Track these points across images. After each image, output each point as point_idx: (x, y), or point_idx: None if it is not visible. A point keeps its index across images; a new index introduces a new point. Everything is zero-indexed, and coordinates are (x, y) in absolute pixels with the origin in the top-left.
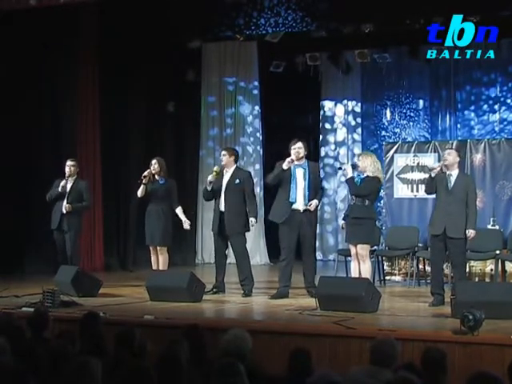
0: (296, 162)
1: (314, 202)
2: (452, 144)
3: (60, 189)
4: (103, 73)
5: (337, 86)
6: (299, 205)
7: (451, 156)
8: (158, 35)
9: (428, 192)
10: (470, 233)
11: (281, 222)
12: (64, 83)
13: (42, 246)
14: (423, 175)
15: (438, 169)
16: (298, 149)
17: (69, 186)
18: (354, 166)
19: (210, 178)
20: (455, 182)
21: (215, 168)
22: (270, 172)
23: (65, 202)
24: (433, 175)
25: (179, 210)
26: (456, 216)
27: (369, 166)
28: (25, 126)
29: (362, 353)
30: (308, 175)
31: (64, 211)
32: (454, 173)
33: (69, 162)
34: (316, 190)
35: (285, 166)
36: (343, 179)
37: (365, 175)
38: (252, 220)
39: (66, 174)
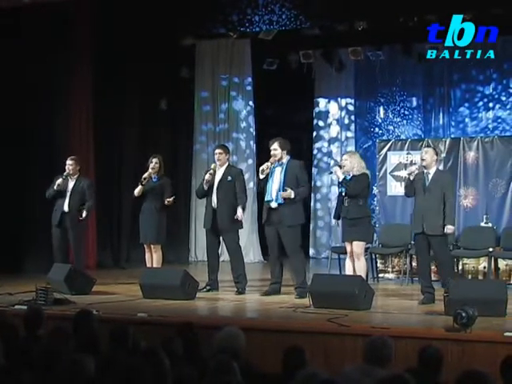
0: (276, 163)
1: (289, 191)
2: (445, 142)
3: (56, 187)
4: (97, 71)
5: (330, 83)
6: (273, 202)
7: (428, 155)
8: (151, 33)
9: (408, 195)
10: (448, 229)
11: (263, 223)
12: (57, 82)
13: (40, 244)
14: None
15: (416, 171)
16: (273, 150)
17: (70, 185)
18: (341, 167)
19: (207, 176)
20: (431, 180)
21: (213, 166)
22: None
23: (66, 200)
24: (411, 178)
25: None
26: (433, 213)
27: (356, 164)
28: (20, 126)
29: (355, 350)
30: (284, 172)
31: (65, 209)
32: (432, 171)
33: (68, 161)
34: (294, 187)
35: (260, 175)
36: (335, 177)
37: (351, 175)
38: (239, 209)
39: (65, 173)
